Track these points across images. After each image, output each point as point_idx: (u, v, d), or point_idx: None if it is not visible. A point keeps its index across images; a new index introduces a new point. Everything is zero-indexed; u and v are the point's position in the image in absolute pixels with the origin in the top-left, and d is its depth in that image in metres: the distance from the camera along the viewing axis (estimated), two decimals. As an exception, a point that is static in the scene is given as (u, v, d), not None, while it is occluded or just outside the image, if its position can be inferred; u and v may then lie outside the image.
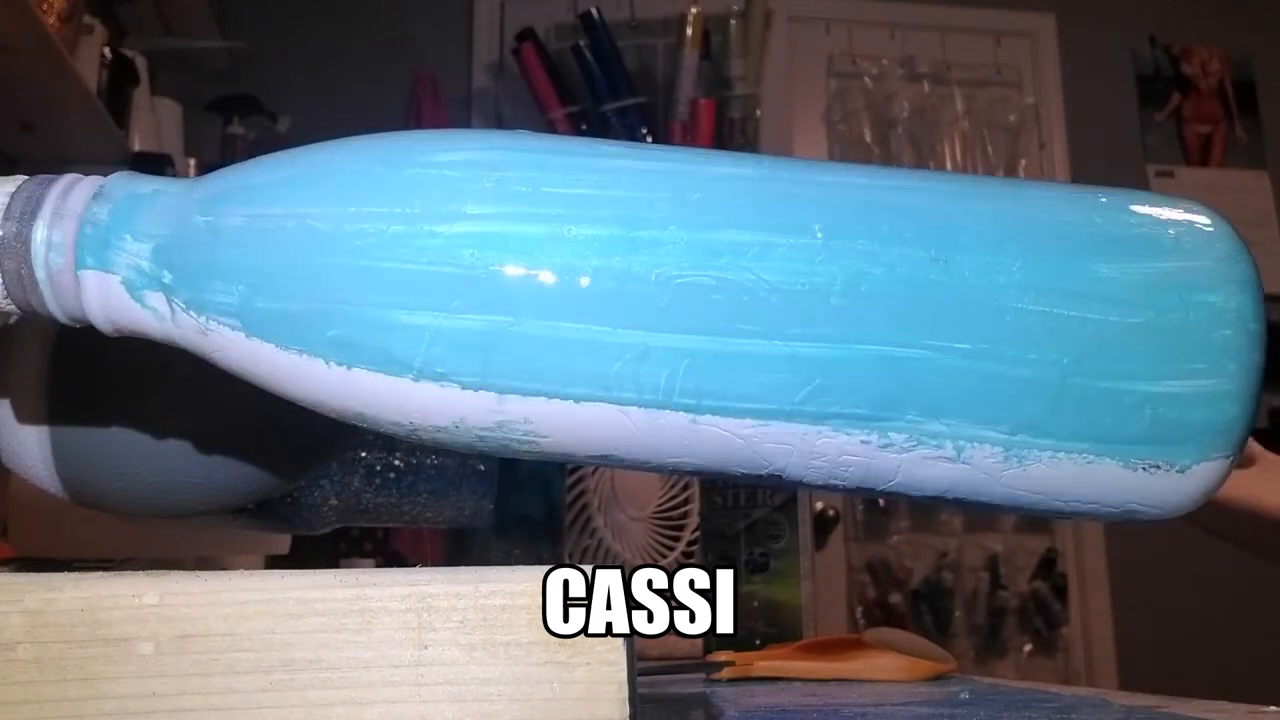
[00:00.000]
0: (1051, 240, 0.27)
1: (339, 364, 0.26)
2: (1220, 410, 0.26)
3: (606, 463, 0.28)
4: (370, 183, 0.26)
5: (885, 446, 0.27)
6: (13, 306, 0.27)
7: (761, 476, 0.28)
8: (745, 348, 0.26)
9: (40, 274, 0.26)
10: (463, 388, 0.26)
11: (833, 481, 0.28)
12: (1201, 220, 0.28)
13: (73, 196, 0.26)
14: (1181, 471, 0.27)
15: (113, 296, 0.27)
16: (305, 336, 0.26)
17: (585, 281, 0.26)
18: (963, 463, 0.27)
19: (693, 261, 0.26)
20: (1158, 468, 0.27)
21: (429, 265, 0.25)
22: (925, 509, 2.26)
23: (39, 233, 0.26)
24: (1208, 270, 0.27)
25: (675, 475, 0.28)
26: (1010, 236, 0.27)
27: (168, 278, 0.26)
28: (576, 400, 0.26)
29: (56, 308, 0.27)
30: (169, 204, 0.27)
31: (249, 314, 0.26)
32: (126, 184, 0.27)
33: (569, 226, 0.26)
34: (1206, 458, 0.27)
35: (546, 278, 0.25)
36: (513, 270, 0.25)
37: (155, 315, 0.27)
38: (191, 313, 0.26)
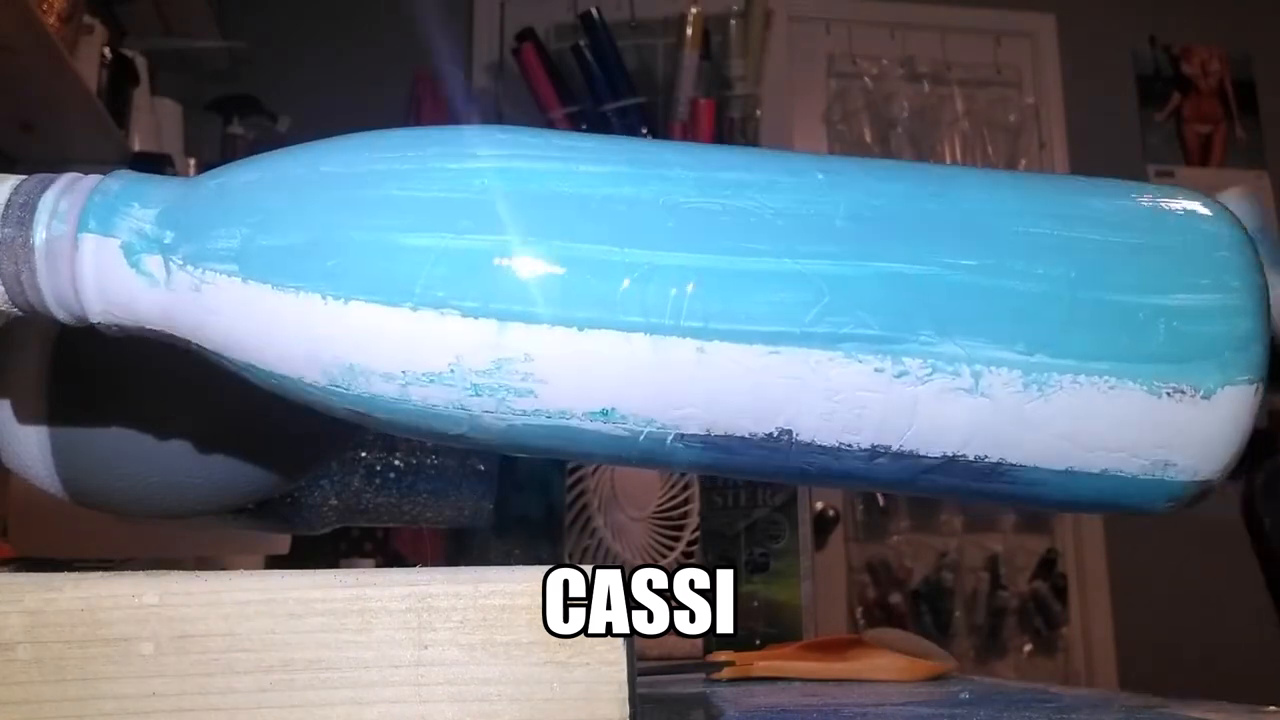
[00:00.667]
0: (1044, 184, 0.28)
1: (335, 297, 0.25)
2: (1233, 324, 0.26)
3: (606, 424, 0.27)
4: (386, 137, 0.27)
5: (900, 376, 0.26)
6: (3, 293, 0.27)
7: (771, 438, 0.27)
8: (752, 266, 0.26)
9: (38, 237, 0.26)
10: (463, 315, 0.25)
11: (848, 439, 0.27)
12: (1196, 202, 0.29)
13: (89, 178, 0.27)
14: (1207, 398, 0.26)
15: (108, 263, 0.26)
16: (304, 270, 0.25)
17: (595, 205, 0.26)
18: (981, 395, 0.26)
19: (700, 191, 0.26)
20: (1183, 393, 0.26)
21: (439, 193, 0.26)
22: (926, 508, 2.27)
23: (48, 199, 0.26)
24: (1199, 206, 0.28)
25: (675, 465, 0.27)
26: (1004, 183, 0.28)
27: (169, 237, 0.26)
28: (580, 327, 0.25)
29: (46, 280, 0.26)
30: (182, 182, 0.28)
31: (249, 255, 0.26)
32: (139, 174, 0.28)
33: (579, 165, 0.27)
34: (1230, 380, 0.26)
35: (555, 202, 0.26)
36: (523, 195, 0.26)
37: (149, 281, 0.26)
38: (188, 268, 0.26)
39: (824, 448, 0.27)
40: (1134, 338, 0.26)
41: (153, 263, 0.26)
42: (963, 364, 0.26)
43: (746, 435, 0.27)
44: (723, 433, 0.27)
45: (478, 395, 0.26)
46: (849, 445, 0.27)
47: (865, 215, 0.27)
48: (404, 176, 0.26)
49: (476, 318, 0.25)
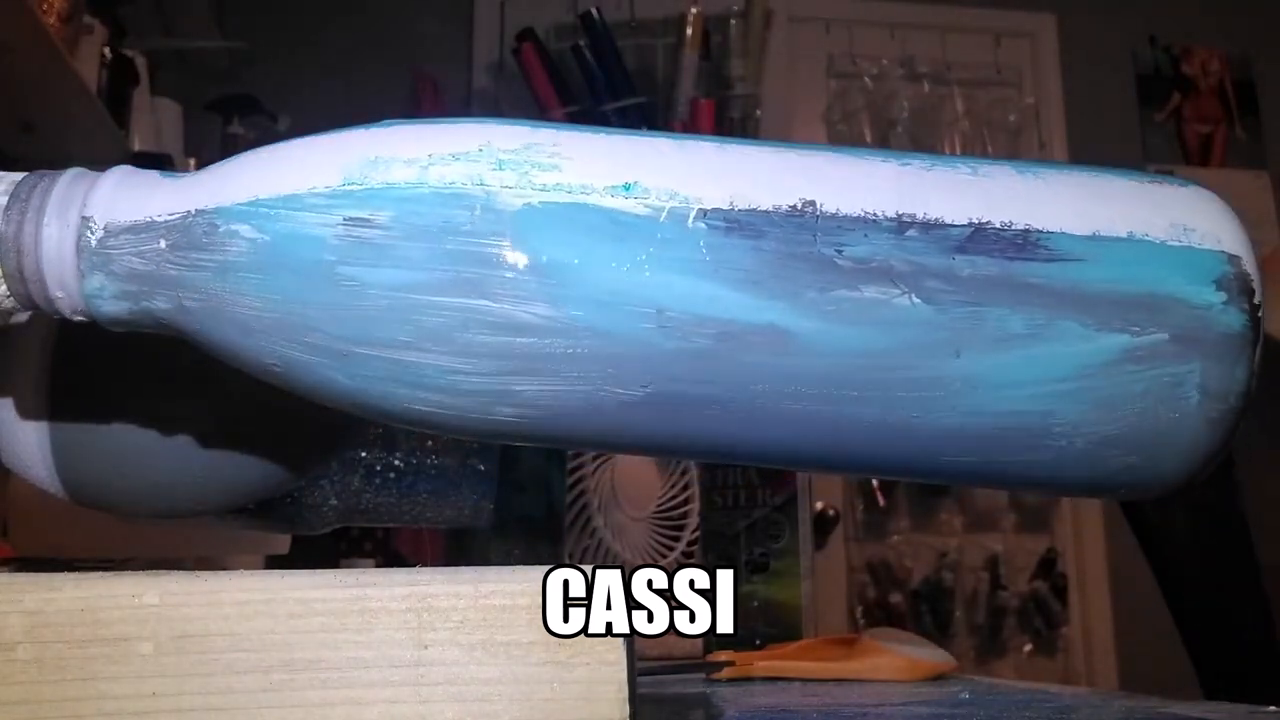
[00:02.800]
0: None
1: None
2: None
3: (628, 200, 0.26)
4: None
5: (905, 165, 0.28)
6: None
7: (796, 211, 0.26)
8: None
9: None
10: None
11: (872, 208, 0.27)
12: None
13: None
14: (1185, 185, 0.28)
15: (126, 186, 0.27)
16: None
17: None
18: (984, 177, 0.28)
19: None
20: (1164, 183, 0.28)
21: None
22: (926, 508, 2.27)
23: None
24: None
25: (694, 264, 0.25)
26: None
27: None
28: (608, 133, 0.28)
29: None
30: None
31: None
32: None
33: None
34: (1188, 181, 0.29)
35: None
36: None
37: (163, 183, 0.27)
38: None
39: (850, 218, 0.26)
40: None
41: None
42: (959, 161, 0.28)
43: (770, 209, 0.26)
44: (746, 206, 0.26)
45: (500, 170, 0.26)
46: (874, 215, 0.27)
47: None
48: None
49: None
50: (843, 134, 2.39)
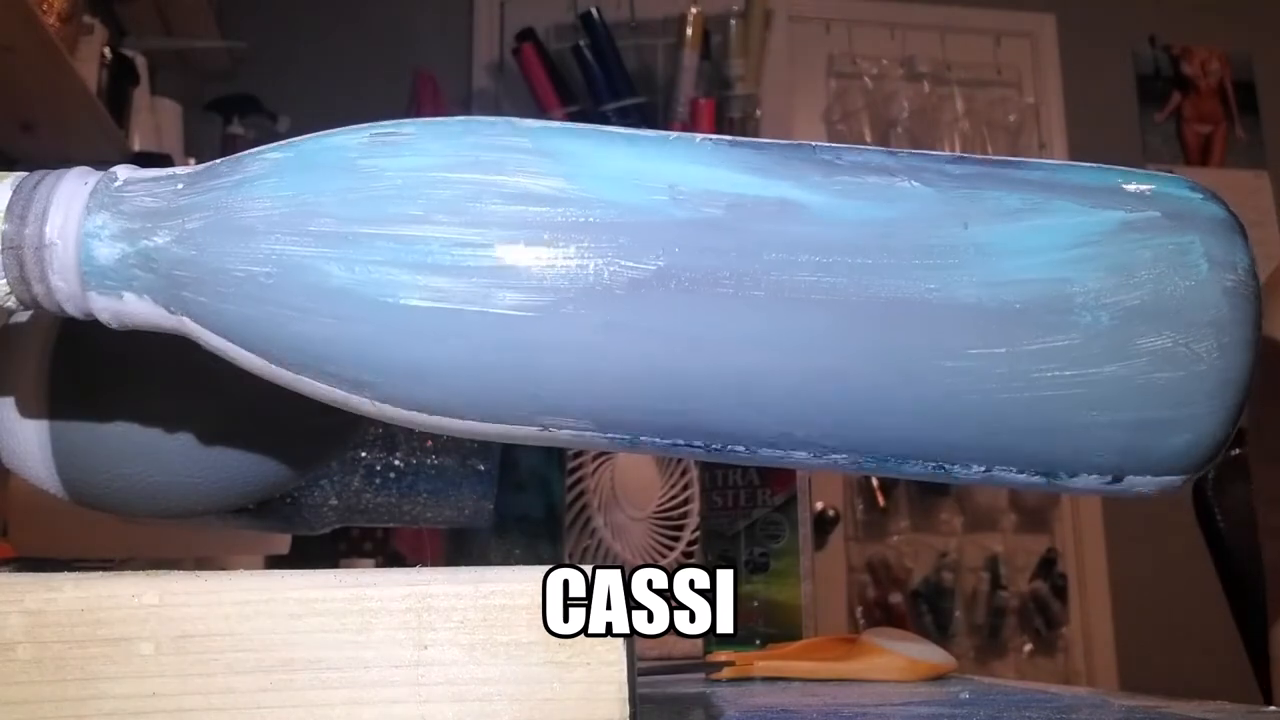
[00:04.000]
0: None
1: None
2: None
3: None
4: None
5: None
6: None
7: (794, 144, 0.28)
8: None
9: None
10: None
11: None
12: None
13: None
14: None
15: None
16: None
17: None
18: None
19: None
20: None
21: None
22: (926, 508, 2.27)
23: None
24: None
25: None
26: None
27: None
28: None
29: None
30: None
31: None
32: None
33: None
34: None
35: None
36: None
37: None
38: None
39: (845, 148, 0.28)
40: None
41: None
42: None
43: (770, 141, 0.28)
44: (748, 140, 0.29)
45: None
46: (867, 148, 0.29)
47: None
48: None
49: None
50: (843, 134, 2.39)
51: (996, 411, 0.27)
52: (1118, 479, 0.28)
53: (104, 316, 0.27)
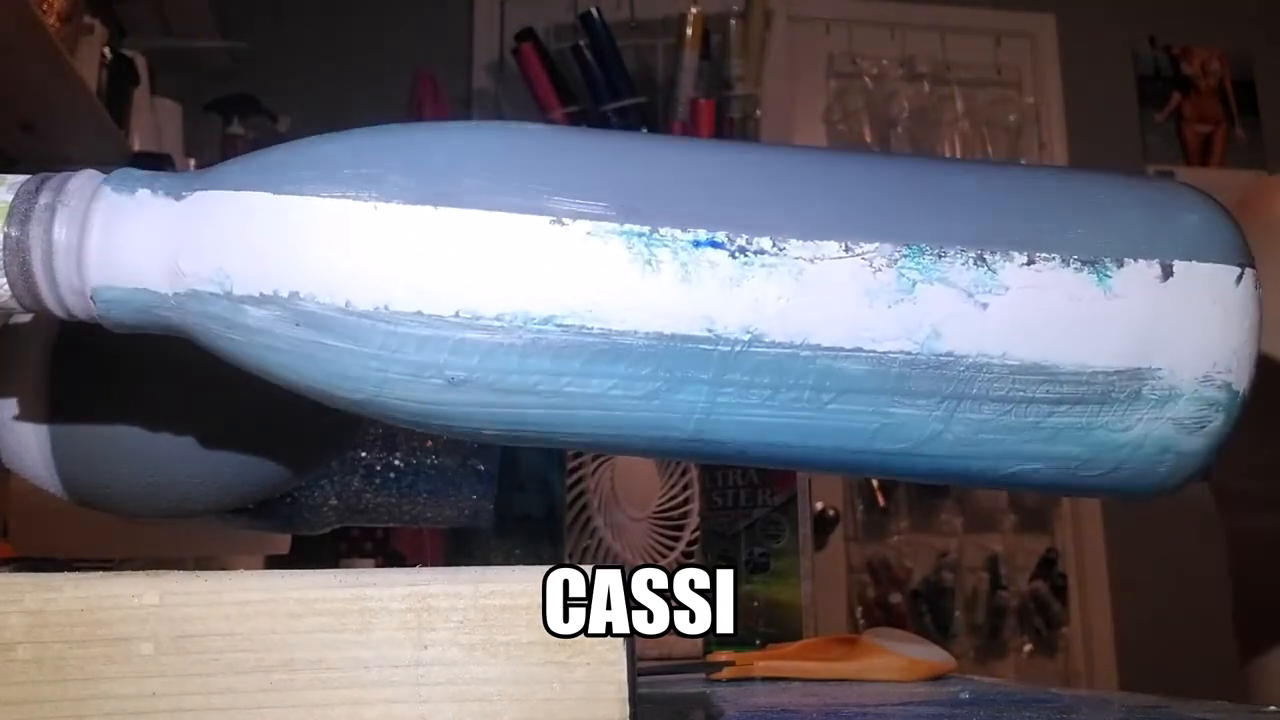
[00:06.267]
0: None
1: None
2: None
3: None
4: None
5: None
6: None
7: None
8: None
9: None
10: None
11: None
12: None
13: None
14: None
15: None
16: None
17: None
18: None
19: None
20: None
21: None
22: (926, 508, 2.27)
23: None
24: None
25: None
26: None
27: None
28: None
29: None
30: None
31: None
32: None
33: None
34: None
35: None
36: None
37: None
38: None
39: None
40: None
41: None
42: None
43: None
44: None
45: None
46: None
47: None
48: None
49: None
50: (843, 134, 2.39)
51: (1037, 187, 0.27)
52: (1167, 270, 0.27)
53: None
